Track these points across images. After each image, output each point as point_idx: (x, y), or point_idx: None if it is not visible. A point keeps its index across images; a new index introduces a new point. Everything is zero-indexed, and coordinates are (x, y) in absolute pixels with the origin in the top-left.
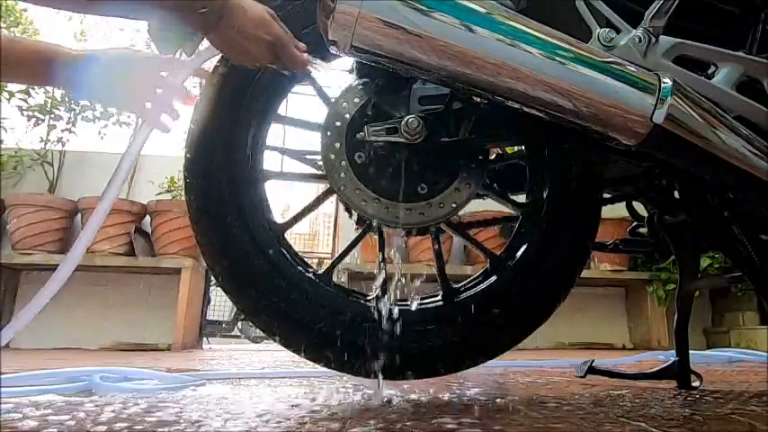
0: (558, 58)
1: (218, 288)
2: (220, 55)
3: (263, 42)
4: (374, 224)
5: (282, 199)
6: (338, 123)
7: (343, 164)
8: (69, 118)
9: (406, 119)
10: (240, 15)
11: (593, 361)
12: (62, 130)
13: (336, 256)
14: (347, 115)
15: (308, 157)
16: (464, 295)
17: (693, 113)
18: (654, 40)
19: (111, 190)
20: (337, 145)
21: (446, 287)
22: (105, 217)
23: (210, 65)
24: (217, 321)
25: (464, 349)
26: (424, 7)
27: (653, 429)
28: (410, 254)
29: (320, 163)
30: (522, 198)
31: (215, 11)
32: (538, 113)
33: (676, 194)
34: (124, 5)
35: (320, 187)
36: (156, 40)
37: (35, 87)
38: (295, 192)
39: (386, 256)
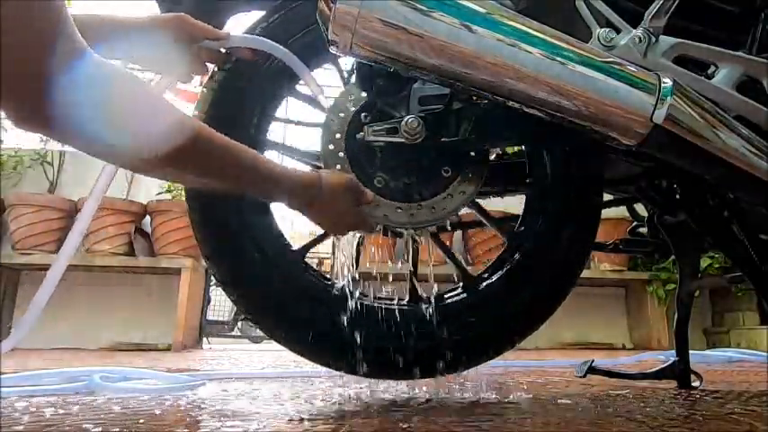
0: (558, 58)
1: (218, 288)
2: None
3: (350, 213)
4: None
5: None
6: (338, 123)
7: (345, 165)
8: None
9: (406, 119)
10: (328, 194)
11: (593, 361)
12: None
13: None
14: (347, 115)
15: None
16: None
17: (693, 113)
18: (654, 40)
19: (98, 186)
20: (337, 144)
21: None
22: (90, 218)
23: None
24: (217, 321)
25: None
26: (424, 7)
27: (653, 429)
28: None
29: (321, 163)
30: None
31: (311, 196)
32: (538, 113)
33: (677, 195)
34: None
35: None
36: None
37: None
38: None
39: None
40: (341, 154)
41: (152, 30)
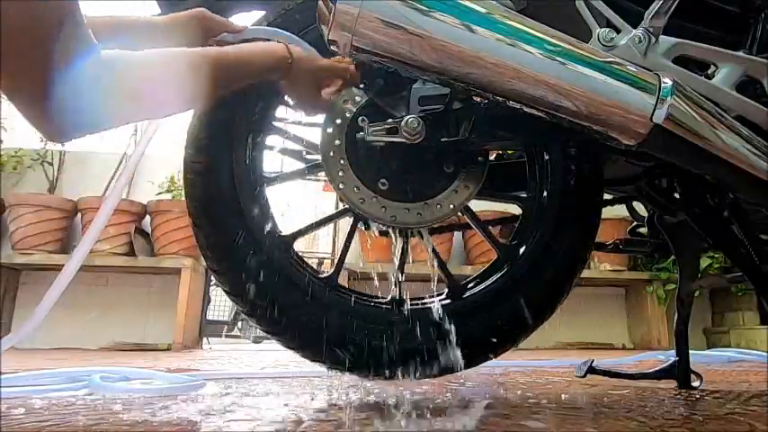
0: (558, 58)
1: (218, 288)
2: None
3: (319, 77)
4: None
5: (282, 198)
6: (338, 122)
7: (342, 162)
8: None
9: (406, 119)
10: (301, 63)
11: (593, 361)
12: None
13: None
14: (347, 114)
15: (307, 155)
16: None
17: (693, 113)
18: (654, 40)
19: (116, 189)
20: (337, 143)
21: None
22: (107, 219)
23: None
24: (217, 321)
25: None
26: (424, 7)
27: (653, 429)
28: (410, 254)
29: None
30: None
31: (285, 66)
32: (538, 113)
33: (677, 195)
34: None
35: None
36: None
37: None
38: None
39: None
40: (342, 161)
41: (173, 28)
